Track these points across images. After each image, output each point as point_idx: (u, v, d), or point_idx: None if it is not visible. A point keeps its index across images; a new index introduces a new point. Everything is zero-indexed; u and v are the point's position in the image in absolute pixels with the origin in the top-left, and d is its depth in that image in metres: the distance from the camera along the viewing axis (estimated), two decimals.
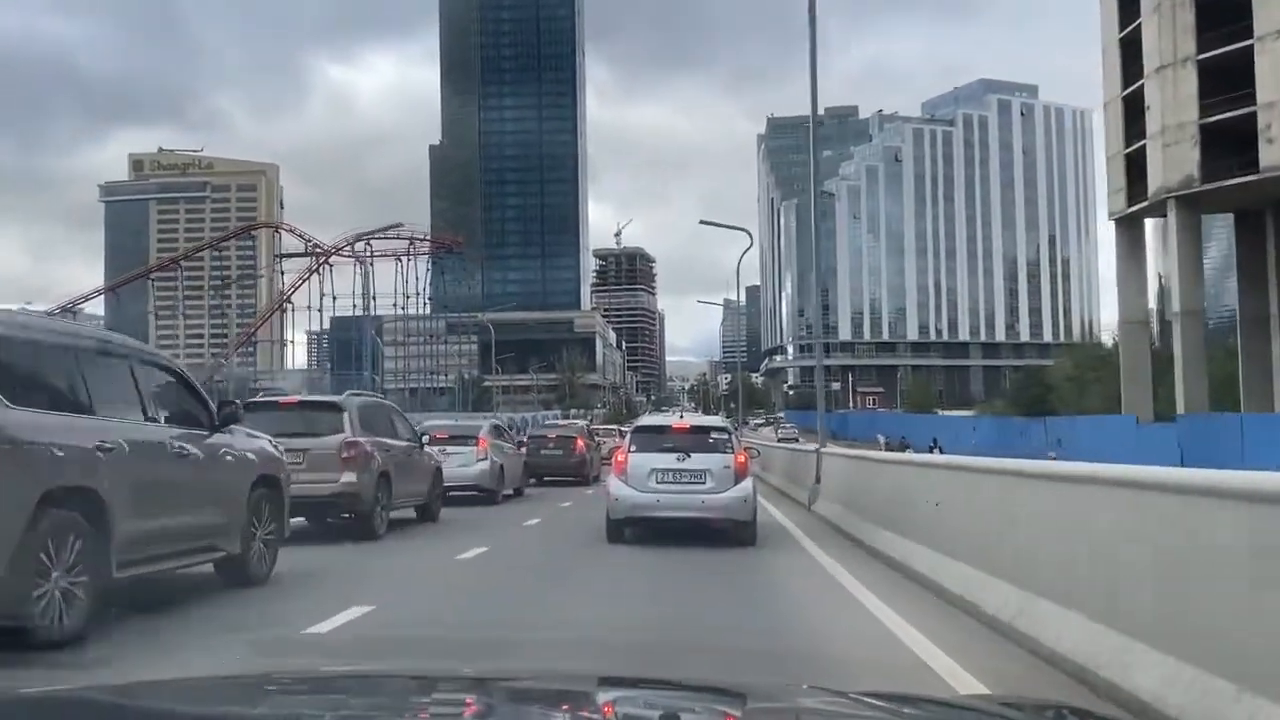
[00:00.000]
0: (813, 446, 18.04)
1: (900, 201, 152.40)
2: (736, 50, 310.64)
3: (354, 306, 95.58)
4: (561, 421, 30.27)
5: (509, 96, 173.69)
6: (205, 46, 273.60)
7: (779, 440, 48.28)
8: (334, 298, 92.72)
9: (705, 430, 11.97)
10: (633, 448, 11.62)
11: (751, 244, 43.95)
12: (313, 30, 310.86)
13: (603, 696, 1.88)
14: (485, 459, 17.20)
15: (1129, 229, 47.38)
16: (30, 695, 1.67)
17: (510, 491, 18.54)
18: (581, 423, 30.86)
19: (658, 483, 11.19)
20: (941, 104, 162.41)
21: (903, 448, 40.76)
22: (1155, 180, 42.74)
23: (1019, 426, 37.47)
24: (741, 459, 11.51)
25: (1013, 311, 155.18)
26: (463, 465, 16.64)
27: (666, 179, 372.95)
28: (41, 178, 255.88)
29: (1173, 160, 41.64)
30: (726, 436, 11.93)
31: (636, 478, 11.25)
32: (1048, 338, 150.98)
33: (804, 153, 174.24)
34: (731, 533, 11.21)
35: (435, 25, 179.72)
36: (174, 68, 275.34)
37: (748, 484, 11.33)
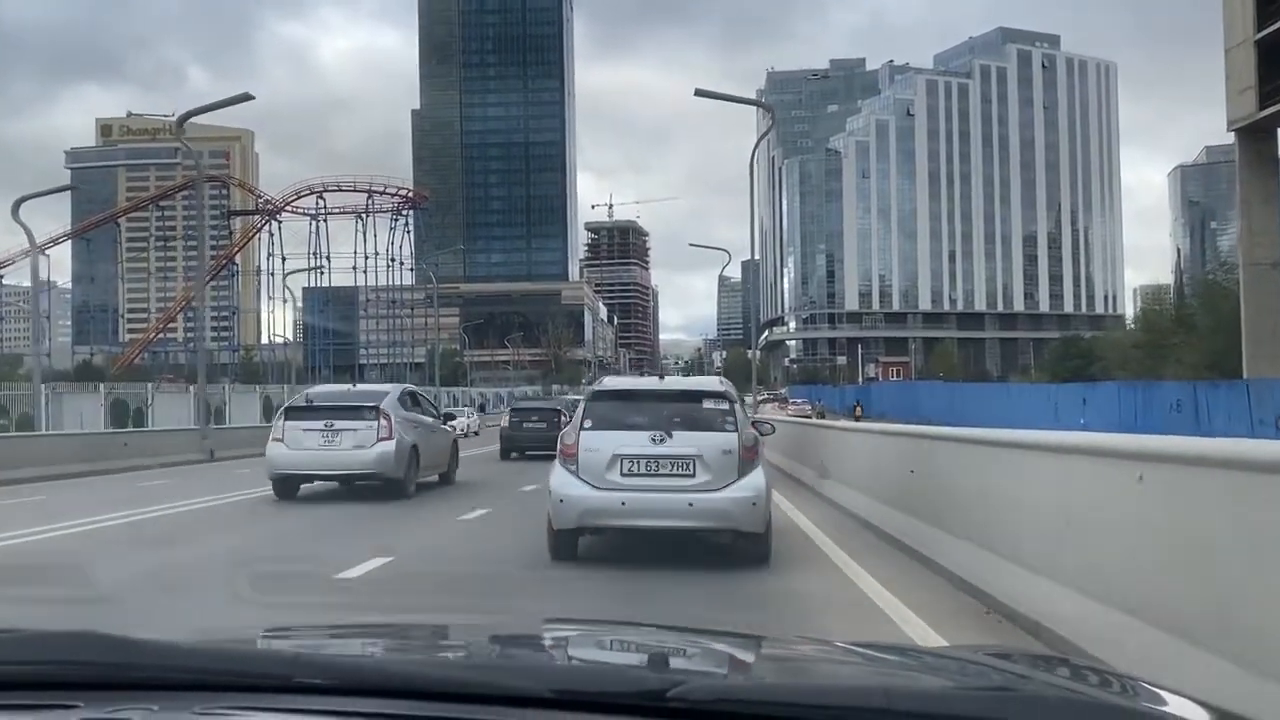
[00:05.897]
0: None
1: (912, 159, 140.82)
2: (729, 5, 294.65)
3: (308, 271, 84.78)
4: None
5: (492, 67, 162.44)
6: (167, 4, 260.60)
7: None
8: (283, 258, 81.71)
9: (695, 396, 8.39)
10: (587, 423, 8.07)
11: (773, 123, 33.95)
12: None
13: (592, 635, 1.93)
14: (390, 438, 14.34)
15: (1256, 141, 36.60)
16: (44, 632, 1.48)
17: (433, 478, 16.01)
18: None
19: (624, 475, 7.86)
20: (955, 55, 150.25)
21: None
22: None
23: (1165, 395, 26.71)
24: (751, 440, 8.04)
25: (1031, 280, 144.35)
26: (358, 446, 14.19)
27: (655, 147, 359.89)
28: (6, 144, 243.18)
29: None
30: (726, 407, 8.14)
31: (592, 467, 7.90)
32: (1069, 308, 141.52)
33: (807, 108, 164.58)
34: (733, 547, 7.99)
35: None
36: (140, 31, 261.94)
37: (758, 476, 7.90)
